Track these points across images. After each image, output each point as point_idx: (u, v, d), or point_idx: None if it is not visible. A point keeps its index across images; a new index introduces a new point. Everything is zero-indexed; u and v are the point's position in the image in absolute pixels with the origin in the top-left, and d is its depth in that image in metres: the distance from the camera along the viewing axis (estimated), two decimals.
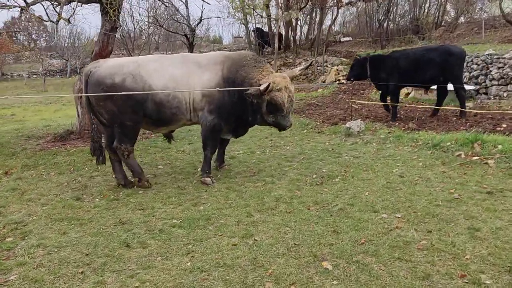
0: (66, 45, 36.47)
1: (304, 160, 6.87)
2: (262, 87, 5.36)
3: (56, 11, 7.57)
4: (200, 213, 4.79)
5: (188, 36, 27.34)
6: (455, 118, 8.90)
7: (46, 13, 7.53)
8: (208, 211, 4.84)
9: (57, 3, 7.91)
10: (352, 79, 9.80)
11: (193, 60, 5.92)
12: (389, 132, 8.06)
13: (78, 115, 9.46)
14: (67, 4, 8.39)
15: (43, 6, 7.57)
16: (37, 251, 4.04)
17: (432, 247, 3.72)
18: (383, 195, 5.07)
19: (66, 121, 11.72)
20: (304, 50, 27.13)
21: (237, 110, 5.82)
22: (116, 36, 28.13)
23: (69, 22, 7.52)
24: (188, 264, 3.65)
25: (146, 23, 28.08)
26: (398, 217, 4.40)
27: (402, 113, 10.12)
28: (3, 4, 7.91)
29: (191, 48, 27.87)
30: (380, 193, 5.15)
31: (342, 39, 31.68)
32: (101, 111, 5.67)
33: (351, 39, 31.45)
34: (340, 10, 28.90)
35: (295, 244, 3.93)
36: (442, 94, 9.25)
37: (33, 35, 42.15)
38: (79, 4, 8.43)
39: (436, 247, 3.69)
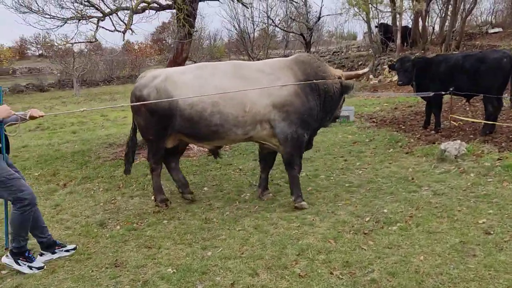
0: (202, 46, 37.15)
1: (369, 193, 5.56)
2: (365, 69, 5.91)
3: (124, 22, 7.46)
4: (202, 262, 4.00)
5: (305, 35, 26.50)
6: None
7: (112, 23, 7.44)
8: (212, 260, 4.02)
9: (132, 12, 7.81)
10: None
11: (254, 68, 5.29)
12: (498, 159, 6.16)
13: None
14: (141, 13, 8.32)
15: (110, 19, 7.49)
16: None
17: None
18: (445, 264, 3.64)
19: None
20: (435, 46, 24.02)
21: (320, 115, 5.34)
22: (237, 38, 28.54)
23: (132, 31, 7.33)
24: None
25: (264, 24, 28.05)
26: None
27: None
28: (86, 16, 8.09)
29: (308, 47, 26.98)
30: (442, 260, 3.71)
31: (490, 31, 27.27)
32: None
33: (502, 30, 26.87)
34: None
35: None
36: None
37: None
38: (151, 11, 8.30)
39: None
